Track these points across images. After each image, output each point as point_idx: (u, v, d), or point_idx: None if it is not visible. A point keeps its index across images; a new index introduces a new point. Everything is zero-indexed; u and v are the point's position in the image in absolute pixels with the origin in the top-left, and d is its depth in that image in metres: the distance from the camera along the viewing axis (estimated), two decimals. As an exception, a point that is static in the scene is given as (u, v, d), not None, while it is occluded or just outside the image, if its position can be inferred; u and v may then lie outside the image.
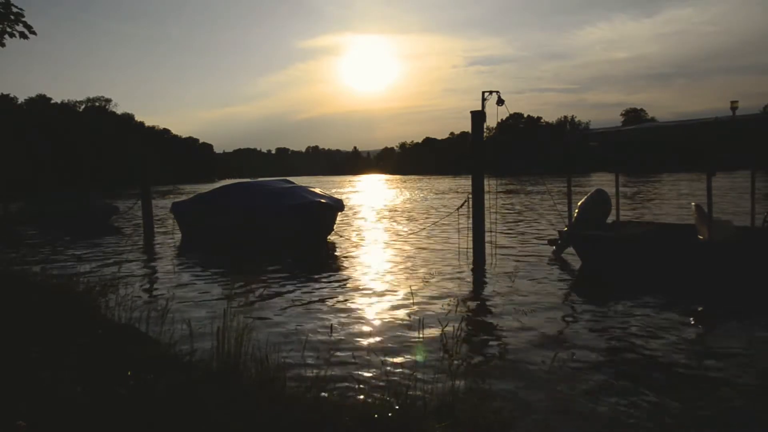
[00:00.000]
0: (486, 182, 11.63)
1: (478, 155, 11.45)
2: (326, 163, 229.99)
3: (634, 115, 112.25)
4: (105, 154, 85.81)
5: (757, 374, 5.07)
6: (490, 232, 12.38)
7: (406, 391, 3.61)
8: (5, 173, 49.79)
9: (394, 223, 20.52)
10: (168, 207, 19.62)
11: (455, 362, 4.09)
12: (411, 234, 16.44)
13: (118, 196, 37.88)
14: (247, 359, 4.10)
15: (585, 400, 4.56)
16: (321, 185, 38.99)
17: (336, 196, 17.80)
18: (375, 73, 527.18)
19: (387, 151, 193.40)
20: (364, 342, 6.23)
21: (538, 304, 7.72)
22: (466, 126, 12.15)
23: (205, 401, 3.24)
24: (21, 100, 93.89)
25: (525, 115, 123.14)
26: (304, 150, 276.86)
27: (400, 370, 5.11)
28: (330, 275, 10.56)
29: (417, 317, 6.77)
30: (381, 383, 4.72)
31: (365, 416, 3.23)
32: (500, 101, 10.99)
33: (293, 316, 7.48)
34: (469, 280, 9.69)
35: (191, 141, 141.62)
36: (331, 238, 16.02)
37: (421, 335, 5.89)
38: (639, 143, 15.24)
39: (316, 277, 10.34)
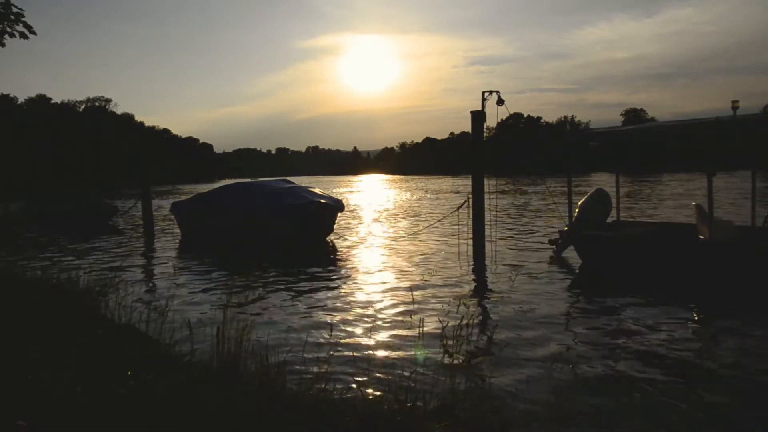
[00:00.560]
0: (486, 182, 11.63)
1: (478, 155, 11.45)
2: (326, 163, 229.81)
3: (634, 115, 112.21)
4: (105, 154, 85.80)
5: (757, 374, 5.07)
6: (490, 231, 12.37)
7: (406, 391, 3.61)
8: (5, 173, 49.82)
9: (394, 223, 20.52)
10: (168, 207, 19.62)
11: (455, 362, 4.09)
12: (411, 234, 16.44)
13: (118, 196, 37.87)
14: (247, 359, 4.10)
15: (585, 399, 4.56)
16: (321, 185, 39.00)
17: (336, 196, 17.79)
18: (375, 73, 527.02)
19: (387, 151, 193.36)
20: (364, 342, 6.24)
21: (538, 304, 7.72)
22: (466, 126, 12.16)
23: (205, 401, 3.24)
24: (21, 100, 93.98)
25: (525, 115, 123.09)
26: (304, 150, 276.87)
27: (400, 370, 5.10)
28: (330, 275, 10.56)
29: (417, 317, 6.76)
30: (381, 383, 4.72)
31: (365, 416, 3.23)
32: (500, 101, 11.00)
33: (293, 316, 7.48)
34: (469, 279, 9.69)
35: (191, 141, 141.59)
36: (331, 238, 16.03)
37: (421, 335, 5.88)
38: (639, 143, 15.25)
39: (316, 277, 10.34)
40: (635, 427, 4.14)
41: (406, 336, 6.35)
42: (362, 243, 15.14)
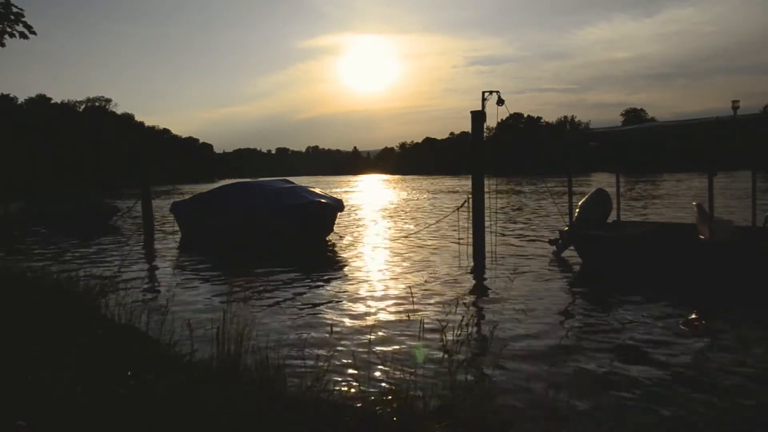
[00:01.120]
0: (486, 182, 11.63)
1: (478, 155, 11.46)
2: (326, 163, 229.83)
3: (634, 115, 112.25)
4: (105, 154, 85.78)
5: (757, 374, 5.07)
6: (490, 231, 12.38)
7: (406, 391, 3.61)
8: (5, 173, 49.81)
9: (394, 223, 20.52)
10: (168, 207, 19.62)
11: (455, 362, 4.09)
12: (411, 233, 16.44)
13: (118, 196, 37.84)
14: (247, 359, 4.10)
15: (585, 399, 4.56)
16: (321, 185, 39.01)
17: (336, 196, 17.79)
18: (375, 73, 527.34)
19: (387, 151, 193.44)
20: (364, 342, 6.23)
21: (538, 304, 7.72)
22: (466, 126, 12.16)
23: (205, 401, 3.24)
24: (21, 100, 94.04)
25: (525, 115, 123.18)
26: (304, 150, 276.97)
27: (400, 370, 5.10)
28: (330, 275, 10.56)
29: (417, 317, 6.76)
30: (381, 383, 4.72)
31: (365, 416, 3.23)
32: (500, 101, 11.00)
33: (293, 316, 7.48)
34: (469, 279, 9.69)
35: (191, 141, 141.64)
36: (331, 238, 16.03)
37: (420, 335, 5.88)
38: (639, 143, 15.25)
39: (316, 277, 10.34)
40: (635, 427, 4.14)
41: (406, 336, 6.34)
42: (362, 243, 15.14)
